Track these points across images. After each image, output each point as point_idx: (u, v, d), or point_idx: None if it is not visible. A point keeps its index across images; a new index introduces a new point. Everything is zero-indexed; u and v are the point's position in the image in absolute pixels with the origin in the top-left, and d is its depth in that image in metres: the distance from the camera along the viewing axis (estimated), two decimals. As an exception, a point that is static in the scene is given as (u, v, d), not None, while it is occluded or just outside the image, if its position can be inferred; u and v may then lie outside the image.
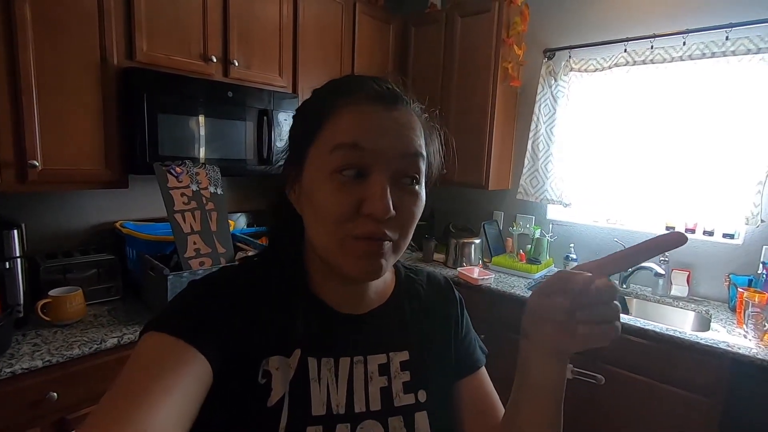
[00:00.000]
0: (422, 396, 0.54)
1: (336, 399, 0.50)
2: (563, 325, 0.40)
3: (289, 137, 0.54)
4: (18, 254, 1.39)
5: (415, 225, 0.50)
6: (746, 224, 1.84)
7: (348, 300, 0.55)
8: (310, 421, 0.48)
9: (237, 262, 0.57)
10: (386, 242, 0.47)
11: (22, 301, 1.40)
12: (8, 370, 1.16)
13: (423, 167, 0.50)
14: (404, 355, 0.56)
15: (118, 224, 1.79)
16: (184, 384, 0.40)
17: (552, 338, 0.42)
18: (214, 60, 1.77)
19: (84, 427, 0.36)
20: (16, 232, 1.38)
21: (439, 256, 2.56)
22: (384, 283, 0.59)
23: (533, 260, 2.33)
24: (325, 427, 0.48)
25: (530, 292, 0.43)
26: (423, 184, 0.51)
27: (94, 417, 0.36)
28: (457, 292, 0.66)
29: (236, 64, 1.84)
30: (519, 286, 2.11)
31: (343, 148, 0.46)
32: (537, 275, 2.27)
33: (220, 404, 0.46)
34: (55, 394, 1.23)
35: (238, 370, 0.47)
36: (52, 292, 1.44)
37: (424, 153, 0.50)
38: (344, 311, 0.54)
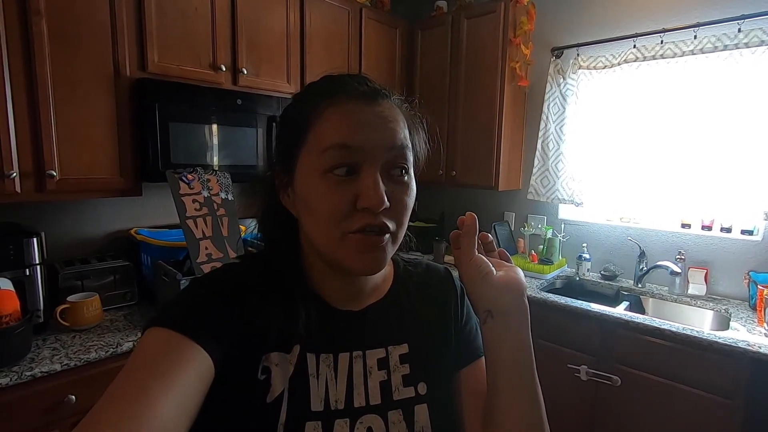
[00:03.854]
0: (422, 388, 0.55)
1: (335, 395, 0.51)
2: (509, 278, 0.49)
3: (277, 144, 0.55)
4: (37, 261, 1.43)
5: (409, 214, 0.52)
6: (765, 220, 1.80)
7: (346, 296, 0.56)
8: (309, 416, 0.49)
9: (238, 260, 0.59)
10: (384, 235, 0.48)
11: (41, 307, 1.44)
12: (28, 373, 1.19)
13: (410, 157, 0.51)
14: (403, 348, 0.56)
15: (132, 231, 1.84)
16: (186, 379, 0.41)
17: (504, 287, 0.49)
18: (224, 69, 1.81)
19: (86, 420, 0.36)
20: (35, 240, 1.43)
21: (449, 258, 2.55)
22: (382, 277, 0.60)
23: (545, 260, 2.30)
24: (324, 422, 0.49)
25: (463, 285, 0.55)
26: (412, 173, 0.52)
27: (96, 412, 0.37)
28: (457, 282, 0.66)
29: (245, 72, 1.87)
30: (531, 287, 2.08)
31: (332, 149, 0.47)
32: (549, 276, 2.25)
33: (220, 400, 0.46)
34: (73, 396, 1.27)
35: (238, 366, 0.48)
36: (70, 298, 1.48)
37: (409, 143, 0.51)
38: (343, 307, 0.55)
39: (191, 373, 0.42)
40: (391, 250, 0.50)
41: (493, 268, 0.50)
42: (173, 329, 0.44)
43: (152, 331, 0.45)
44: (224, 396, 0.47)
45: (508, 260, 0.54)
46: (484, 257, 0.50)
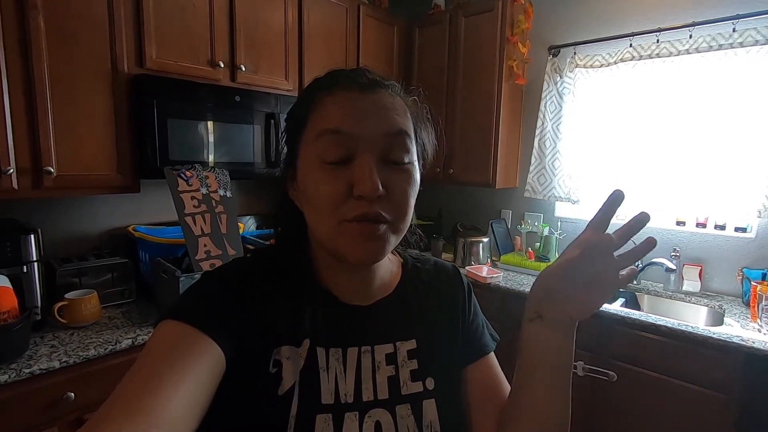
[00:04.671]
0: (430, 384, 0.55)
1: (344, 388, 0.51)
2: (582, 295, 0.46)
3: (284, 139, 0.56)
4: (35, 259, 1.43)
5: (412, 204, 0.51)
6: (759, 217, 1.82)
7: (355, 291, 0.56)
8: (319, 409, 0.49)
9: (248, 254, 0.59)
10: (382, 224, 0.48)
11: (39, 304, 1.43)
12: (27, 370, 1.19)
13: (411, 146, 0.51)
14: (411, 344, 0.56)
15: (130, 228, 1.83)
16: (198, 372, 0.41)
17: (572, 310, 0.47)
18: (222, 65, 1.81)
19: (99, 413, 0.37)
20: (32, 237, 1.42)
21: (447, 256, 2.56)
22: (390, 273, 0.60)
23: (542, 258, 2.32)
24: (334, 415, 0.49)
25: (540, 278, 0.48)
26: (415, 162, 0.52)
27: (109, 404, 0.37)
28: (464, 278, 0.66)
29: (243, 68, 1.87)
30: (528, 284, 2.10)
31: (326, 135, 0.48)
32: (546, 273, 2.26)
33: (232, 392, 0.47)
34: (72, 394, 1.26)
35: (249, 359, 0.48)
36: (68, 295, 1.47)
37: (410, 132, 0.51)
38: (352, 302, 0.55)
39: (203, 365, 0.42)
40: (392, 241, 0.50)
41: (581, 285, 0.45)
42: (185, 322, 0.45)
43: (165, 324, 0.45)
44: (236, 388, 0.47)
45: (639, 255, 0.45)
46: (580, 281, 0.45)
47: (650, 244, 0.44)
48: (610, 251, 0.44)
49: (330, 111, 0.48)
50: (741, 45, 1.81)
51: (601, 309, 1.75)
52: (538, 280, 0.49)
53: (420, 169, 0.54)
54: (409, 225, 0.52)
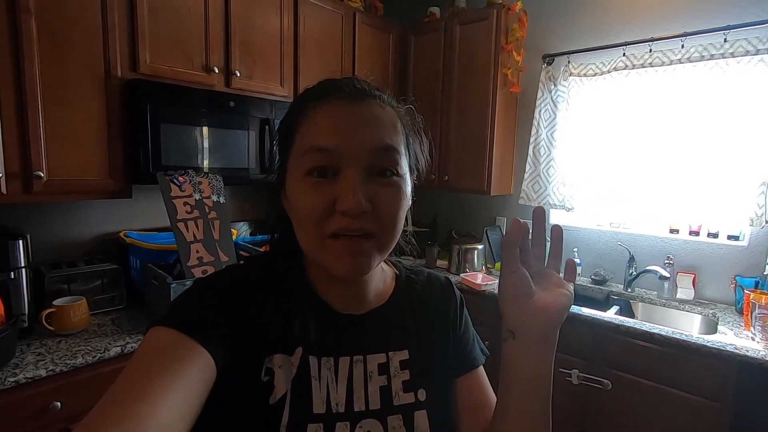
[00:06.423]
0: (422, 395, 0.54)
1: (336, 398, 0.51)
2: (547, 304, 0.45)
3: (276, 149, 0.56)
4: (23, 264, 1.40)
5: (401, 218, 0.50)
6: (751, 225, 1.83)
7: (348, 300, 0.56)
8: (311, 418, 0.48)
9: (242, 262, 0.59)
10: (367, 240, 0.47)
11: (26, 311, 1.40)
12: (12, 379, 1.16)
13: (400, 159, 0.50)
14: (404, 355, 0.56)
15: (121, 234, 1.80)
16: (188, 379, 0.41)
17: (543, 323, 0.46)
18: (216, 71, 1.80)
19: (87, 419, 0.36)
20: (21, 242, 1.39)
21: (442, 263, 2.55)
22: (384, 283, 0.60)
23: (537, 265, 2.32)
24: (326, 425, 0.49)
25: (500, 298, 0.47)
26: (405, 175, 0.51)
27: (97, 411, 0.36)
28: (457, 291, 0.66)
29: (238, 74, 1.86)
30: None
31: (310, 152, 0.47)
32: (541, 280, 2.26)
33: (223, 401, 0.46)
34: (58, 403, 1.24)
35: (241, 367, 0.48)
36: (56, 302, 1.45)
37: (399, 146, 0.50)
38: (344, 311, 0.55)
39: (193, 372, 0.41)
40: (377, 256, 0.49)
41: (533, 289, 0.45)
42: (176, 329, 0.44)
43: (155, 330, 0.45)
44: (227, 396, 0.47)
45: (571, 276, 0.49)
46: (527, 274, 0.46)
47: (557, 232, 0.48)
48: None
49: (317, 123, 0.48)
50: (732, 55, 1.83)
51: (595, 317, 1.77)
52: (503, 305, 0.47)
53: (413, 181, 0.53)
54: (398, 238, 0.51)
